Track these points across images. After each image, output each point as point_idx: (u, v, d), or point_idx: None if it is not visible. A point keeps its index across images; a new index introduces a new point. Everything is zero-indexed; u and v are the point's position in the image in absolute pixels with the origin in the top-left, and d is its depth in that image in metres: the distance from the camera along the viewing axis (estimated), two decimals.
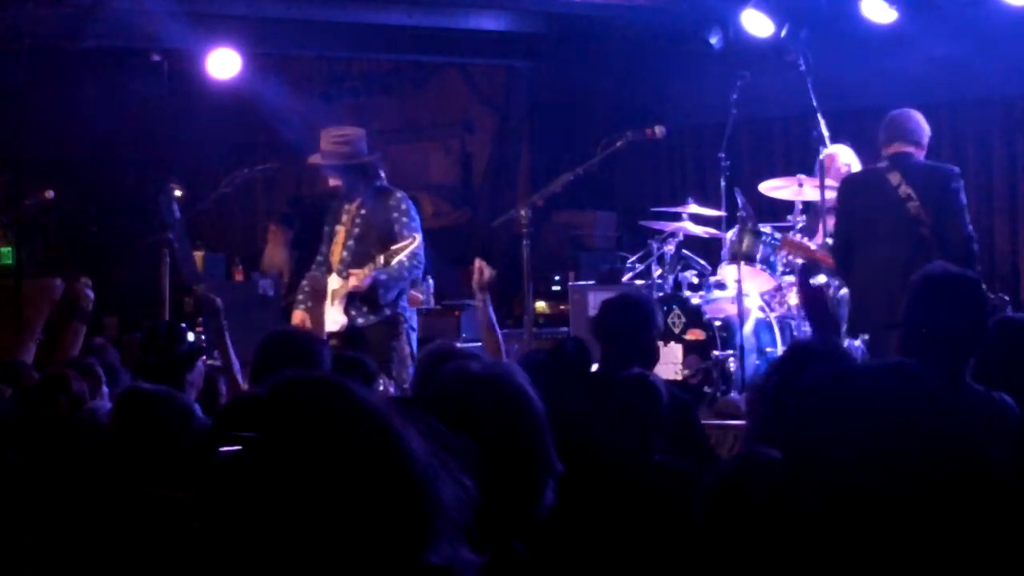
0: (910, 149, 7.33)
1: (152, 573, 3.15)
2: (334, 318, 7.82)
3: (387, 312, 7.78)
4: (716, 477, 2.61)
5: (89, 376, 5.09)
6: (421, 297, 8.91)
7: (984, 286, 4.25)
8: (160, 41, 10.34)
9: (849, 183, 7.68)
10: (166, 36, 10.11)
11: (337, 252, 7.99)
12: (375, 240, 7.81)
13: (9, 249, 13.03)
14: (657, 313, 5.65)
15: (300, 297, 8.15)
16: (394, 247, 7.58)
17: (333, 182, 8.04)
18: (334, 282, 7.94)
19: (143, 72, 11.03)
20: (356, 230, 7.93)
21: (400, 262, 7.61)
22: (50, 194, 9.95)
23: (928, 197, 7.22)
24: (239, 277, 12.83)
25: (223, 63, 10.74)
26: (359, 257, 7.82)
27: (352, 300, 7.79)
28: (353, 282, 7.70)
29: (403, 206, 7.86)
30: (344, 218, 8.03)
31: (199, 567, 1.74)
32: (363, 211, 7.94)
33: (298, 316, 8.04)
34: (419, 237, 7.72)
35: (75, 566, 3.29)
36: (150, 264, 9.07)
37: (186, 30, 10.02)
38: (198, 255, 12.44)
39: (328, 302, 7.92)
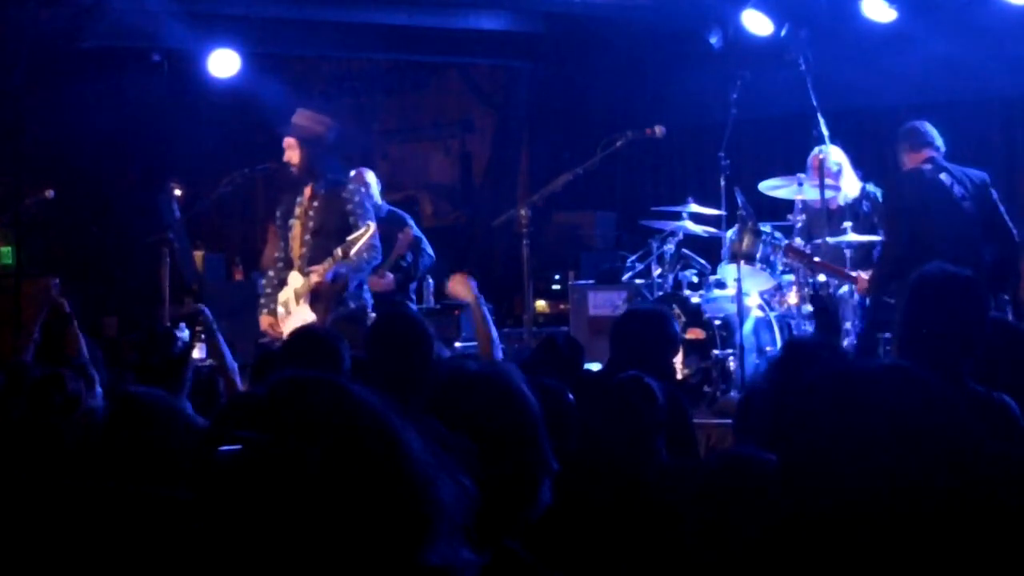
0: (936, 154, 7.71)
1: (152, 574, 3.15)
2: (303, 317, 7.71)
3: (351, 305, 7.76)
4: (703, 478, 2.59)
5: (82, 376, 5.08)
6: (383, 281, 8.88)
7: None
8: (160, 41, 10.34)
9: (909, 182, 7.80)
10: (166, 36, 10.11)
11: (296, 248, 7.91)
12: (332, 233, 7.75)
13: (9, 249, 13.04)
14: (676, 332, 5.73)
15: (262, 301, 8.05)
16: (350, 238, 7.53)
17: (291, 157, 7.93)
18: (296, 280, 7.85)
19: (143, 72, 11.03)
20: (311, 223, 7.87)
21: (359, 254, 7.59)
22: (50, 194, 9.96)
23: (976, 197, 7.68)
24: (239, 277, 12.83)
25: (223, 63, 10.75)
26: (318, 252, 7.75)
27: (317, 298, 7.76)
28: (315, 279, 7.66)
29: (356, 198, 7.83)
30: (298, 211, 7.97)
31: (199, 568, 1.74)
32: (316, 203, 7.89)
33: (266, 321, 7.92)
34: (373, 225, 7.67)
35: (74, 568, 3.29)
36: (150, 264, 9.06)
37: (186, 30, 10.02)
38: (198, 255, 12.46)
39: (293, 302, 7.86)
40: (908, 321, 4.08)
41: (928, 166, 7.73)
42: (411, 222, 9.48)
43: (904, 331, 4.12)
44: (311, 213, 7.87)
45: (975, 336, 3.96)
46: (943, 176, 7.71)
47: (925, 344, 3.92)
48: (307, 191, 7.94)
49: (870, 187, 8.63)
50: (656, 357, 5.44)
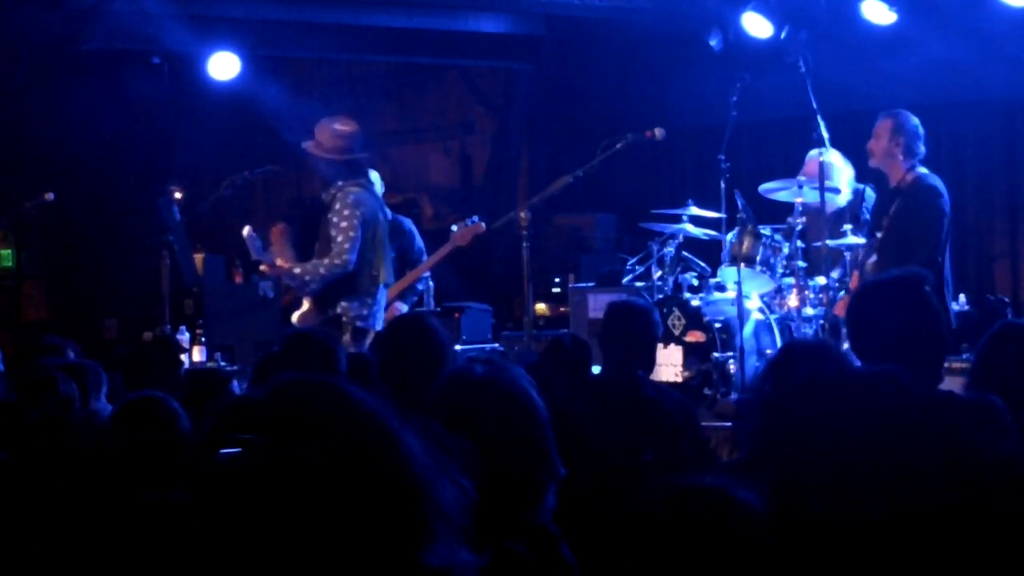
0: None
1: None
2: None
3: (329, 312, 7.76)
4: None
5: (75, 379, 5.03)
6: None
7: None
8: (160, 43, 10.34)
9: (945, 189, 7.90)
10: (166, 38, 10.11)
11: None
12: (323, 237, 7.79)
13: (9, 252, 13.04)
14: (657, 320, 5.66)
15: None
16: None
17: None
18: None
19: (143, 74, 11.03)
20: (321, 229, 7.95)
21: (314, 263, 7.66)
22: (50, 196, 9.95)
23: None
24: (239, 279, 12.83)
25: (223, 65, 10.75)
26: (318, 257, 7.82)
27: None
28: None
29: (337, 205, 7.68)
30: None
31: (199, 571, 1.74)
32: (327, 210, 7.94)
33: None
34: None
35: (74, 570, 3.29)
36: (150, 266, 9.06)
37: (186, 32, 10.03)
38: (198, 257, 12.44)
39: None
40: (858, 323, 4.03)
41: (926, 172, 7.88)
42: (411, 226, 9.48)
43: (856, 337, 4.06)
44: (324, 219, 7.90)
45: (927, 336, 3.89)
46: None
47: (879, 347, 3.85)
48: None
49: (869, 191, 8.63)
50: (641, 346, 5.38)
